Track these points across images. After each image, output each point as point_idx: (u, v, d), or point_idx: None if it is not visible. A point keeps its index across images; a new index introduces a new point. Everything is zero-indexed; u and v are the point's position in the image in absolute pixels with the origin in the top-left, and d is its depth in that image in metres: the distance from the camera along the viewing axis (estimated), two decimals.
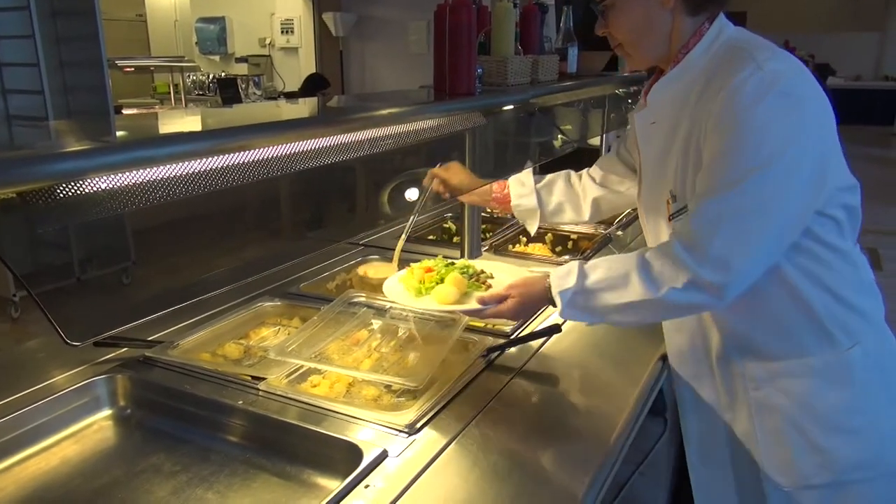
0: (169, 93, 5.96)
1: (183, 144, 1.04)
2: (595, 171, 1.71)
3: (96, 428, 1.35)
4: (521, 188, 1.73)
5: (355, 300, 1.73)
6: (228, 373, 1.42)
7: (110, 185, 0.94)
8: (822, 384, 1.29)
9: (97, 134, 1.28)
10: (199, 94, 6.30)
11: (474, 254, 2.08)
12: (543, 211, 1.72)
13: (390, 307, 1.70)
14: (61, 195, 0.89)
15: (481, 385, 1.40)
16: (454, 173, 1.77)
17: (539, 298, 1.31)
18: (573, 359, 1.54)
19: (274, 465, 1.24)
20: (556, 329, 1.52)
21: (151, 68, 5.87)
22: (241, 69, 6.60)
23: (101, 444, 1.31)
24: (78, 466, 1.24)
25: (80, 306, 1.50)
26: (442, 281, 1.47)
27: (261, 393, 1.35)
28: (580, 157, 2.19)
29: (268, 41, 6.63)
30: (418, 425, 1.23)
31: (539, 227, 2.54)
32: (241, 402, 1.32)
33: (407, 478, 1.09)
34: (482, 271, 1.55)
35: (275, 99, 5.90)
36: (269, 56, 6.65)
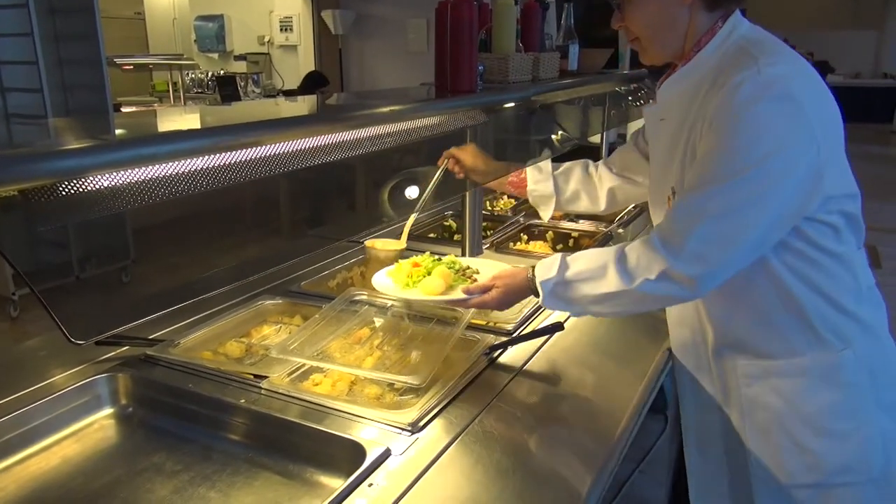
0: (168, 91, 5.95)
1: (182, 142, 1.03)
2: (612, 160, 1.71)
3: (97, 427, 1.35)
4: (538, 173, 1.72)
5: (357, 298, 1.72)
6: (230, 371, 1.42)
7: (109, 184, 0.94)
8: (811, 385, 1.30)
9: (96, 132, 1.27)
10: (197, 92, 6.29)
11: (475, 251, 2.07)
12: (559, 198, 1.72)
13: (391, 305, 1.70)
14: (60, 193, 0.89)
15: (484, 383, 1.40)
16: (469, 153, 1.74)
17: (522, 289, 1.35)
18: (575, 356, 1.54)
19: (276, 464, 1.23)
20: (558, 327, 1.52)
21: (150, 66, 5.86)
22: (240, 67, 6.59)
23: (103, 443, 1.31)
24: (79, 466, 1.24)
25: (81, 305, 1.49)
26: (429, 274, 1.53)
27: (263, 391, 1.34)
28: (581, 155, 2.18)
29: (267, 39, 6.62)
30: (421, 423, 1.23)
31: (540, 226, 2.56)
32: (243, 401, 1.31)
33: (410, 476, 1.09)
34: (468, 267, 1.59)
35: (274, 97, 5.89)
36: (268, 54, 6.64)
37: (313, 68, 6.11)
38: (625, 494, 1.52)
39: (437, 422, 1.25)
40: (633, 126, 3.55)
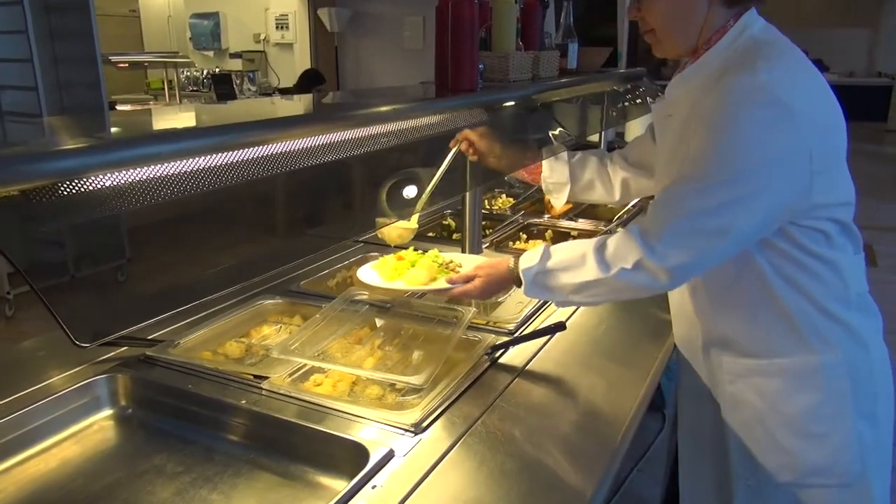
0: (163, 89, 5.92)
1: (179, 142, 1.01)
2: (627, 151, 1.70)
3: (97, 428, 1.34)
4: (553, 160, 1.71)
5: (357, 298, 1.71)
6: (230, 372, 1.41)
7: (104, 184, 0.92)
8: (792, 387, 1.31)
9: (92, 130, 1.26)
10: (193, 90, 6.26)
11: (475, 251, 2.07)
12: (574, 186, 1.71)
13: (391, 306, 1.69)
14: (54, 193, 0.87)
15: (486, 383, 1.39)
16: (484, 136, 1.73)
17: (503, 279, 1.39)
18: (577, 356, 1.53)
19: (278, 465, 1.22)
20: (560, 327, 1.52)
21: (145, 64, 5.83)
22: (236, 65, 6.56)
23: (102, 444, 1.30)
24: (79, 467, 1.23)
25: (79, 305, 1.47)
26: (413, 267, 1.56)
27: (264, 392, 1.33)
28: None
29: (262, 37, 6.59)
30: (424, 424, 1.22)
31: (539, 225, 2.56)
32: (244, 402, 1.30)
33: (414, 478, 1.08)
34: (451, 261, 1.62)
35: (269, 95, 5.87)
36: (264, 52, 6.61)
37: (309, 66, 6.09)
38: (623, 493, 1.52)
39: (440, 422, 1.24)
40: (632, 125, 3.54)
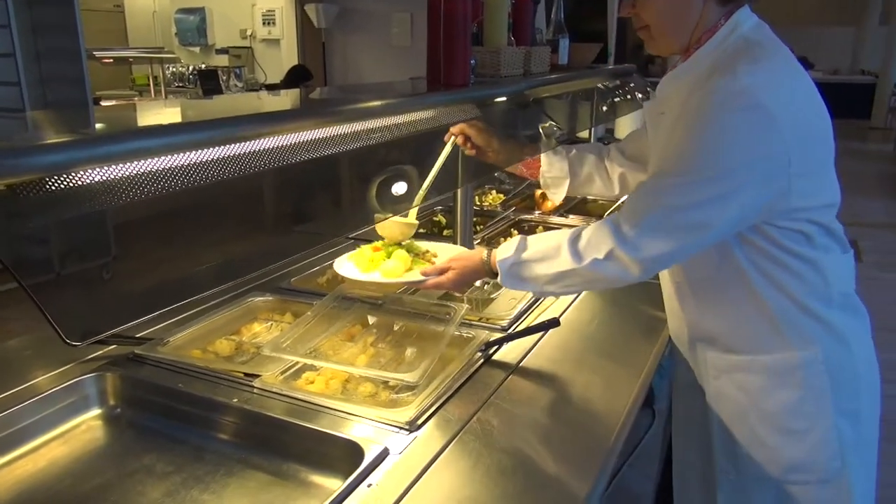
0: (148, 85, 5.85)
1: (165, 137, 0.99)
2: (624, 145, 1.70)
3: (85, 428, 1.31)
4: (552, 155, 1.70)
5: (348, 295, 1.70)
6: (221, 370, 1.39)
7: (89, 179, 0.90)
8: (772, 383, 1.32)
9: (76, 126, 1.23)
10: (178, 87, 6.19)
11: (466, 247, 2.05)
12: (573, 181, 1.70)
13: (383, 303, 1.68)
14: (39, 189, 0.85)
15: (480, 381, 1.38)
16: (480, 130, 1.71)
17: (477, 270, 1.40)
18: (571, 353, 1.53)
19: (271, 464, 1.21)
20: (554, 323, 1.51)
21: (130, 60, 5.75)
22: (222, 61, 6.50)
23: (91, 444, 1.28)
24: (67, 468, 1.20)
25: (67, 303, 1.45)
26: (389, 257, 1.56)
27: (255, 390, 1.32)
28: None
29: (249, 33, 6.53)
30: (419, 422, 1.21)
31: (530, 221, 2.55)
32: (235, 400, 1.28)
33: (410, 476, 1.07)
34: (427, 251, 1.62)
35: (256, 91, 5.82)
36: (251, 48, 6.55)
37: (296, 62, 6.04)
38: (615, 489, 1.52)
39: (435, 420, 1.23)
40: (622, 121, 3.55)
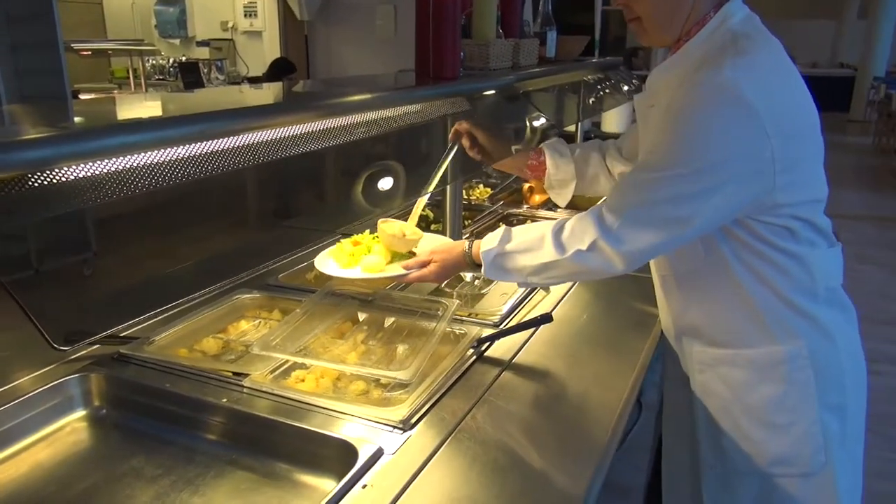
0: (128, 77, 5.74)
1: (150, 132, 0.96)
2: (621, 143, 1.68)
3: (70, 430, 1.28)
4: (558, 158, 1.67)
5: (338, 291, 1.67)
6: (209, 369, 1.36)
7: (69, 176, 0.87)
8: (756, 377, 1.33)
9: (55, 120, 1.19)
10: (159, 79, 6.09)
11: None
12: (580, 182, 1.68)
13: (373, 299, 1.66)
14: (17, 185, 0.82)
15: (473, 377, 1.37)
16: (485, 133, 1.68)
17: (458, 263, 1.40)
18: (564, 348, 1.51)
19: (262, 466, 1.19)
20: (547, 318, 1.50)
21: (109, 52, 5.64)
22: (203, 53, 6.41)
23: (76, 447, 1.24)
24: (51, 472, 1.17)
25: (52, 306, 1.41)
26: (369, 252, 1.55)
27: (245, 390, 1.29)
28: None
29: (230, 24, 6.45)
30: (413, 420, 1.19)
31: (518, 215, 2.54)
32: (224, 400, 1.26)
33: (405, 476, 1.06)
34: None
35: (238, 84, 5.74)
36: (232, 40, 6.47)
37: (279, 55, 5.97)
38: (605, 482, 1.52)
39: (428, 418, 1.22)
40: (609, 114, 3.54)
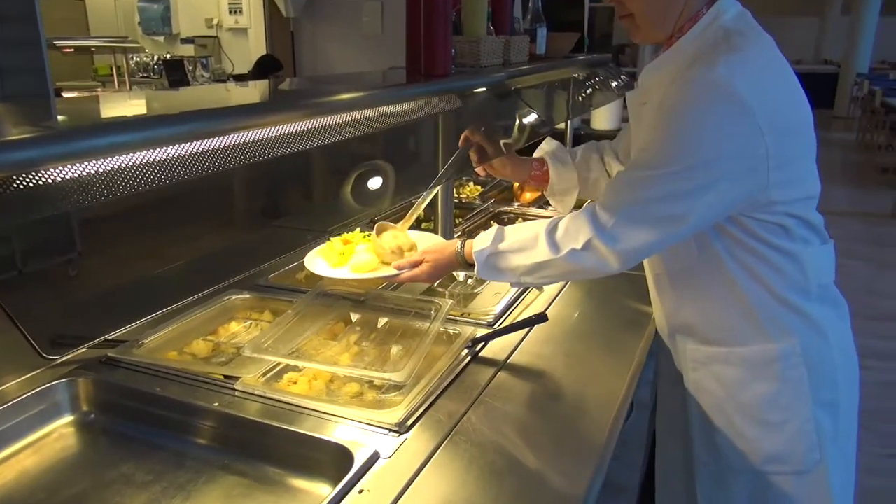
0: (111, 75, 5.68)
1: (138, 131, 0.93)
2: (616, 144, 1.67)
3: (57, 436, 1.25)
4: (560, 166, 1.65)
5: (329, 291, 1.65)
6: (199, 372, 1.34)
7: (53, 178, 0.84)
8: (750, 375, 1.33)
9: (37, 119, 1.17)
10: (143, 77, 6.03)
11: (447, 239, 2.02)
12: (583, 188, 1.67)
13: (365, 299, 1.64)
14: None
15: (468, 378, 1.35)
16: (495, 146, 1.65)
17: (450, 263, 1.38)
18: (559, 347, 1.50)
19: (255, 470, 1.17)
20: (542, 318, 1.48)
21: (92, 49, 5.57)
22: (188, 51, 6.35)
23: (64, 453, 1.22)
24: (38, 479, 1.15)
25: (33, 306, 1.38)
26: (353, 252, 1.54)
27: (236, 393, 1.27)
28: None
29: (215, 21, 6.39)
30: (408, 423, 1.18)
31: (509, 213, 2.53)
32: (216, 404, 1.24)
33: (402, 480, 1.04)
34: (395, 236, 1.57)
35: (224, 82, 5.69)
36: (217, 37, 6.42)
37: (264, 52, 5.93)
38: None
39: (424, 421, 1.20)
40: (598, 112, 3.54)
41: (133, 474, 1.15)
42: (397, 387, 1.30)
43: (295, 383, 1.33)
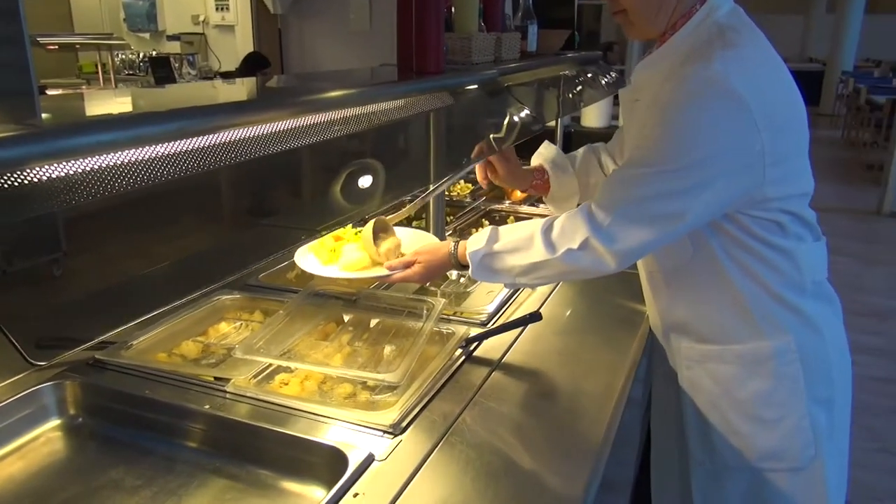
0: (96, 72, 5.61)
1: (129, 129, 0.91)
2: (611, 147, 1.66)
3: (44, 441, 1.23)
4: (561, 174, 1.64)
5: (321, 291, 1.63)
6: (189, 374, 1.32)
7: (37, 178, 0.82)
8: (745, 373, 1.32)
9: (21, 117, 1.14)
10: (129, 74, 5.97)
11: (439, 238, 2.01)
12: (583, 193, 1.65)
13: (357, 299, 1.62)
14: None
15: (463, 378, 1.34)
16: (505, 162, 1.62)
17: (443, 264, 1.37)
18: (553, 346, 1.49)
19: (248, 474, 1.15)
20: (536, 317, 1.47)
21: (77, 46, 5.50)
22: (174, 48, 6.29)
23: (51, 458, 1.19)
24: (25, 485, 1.12)
25: (17, 308, 1.35)
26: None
27: (227, 395, 1.25)
28: (538, 139, 2.14)
29: (201, 18, 6.33)
30: (403, 424, 1.16)
31: (501, 211, 2.52)
32: (206, 406, 1.22)
33: (398, 483, 1.03)
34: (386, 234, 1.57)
35: (211, 79, 5.64)
36: (203, 34, 6.36)
37: (251, 49, 5.88)
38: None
39: (419, 422, 1.19)
40: (588, 110, 3.53)
41: (122, 479, 1.12)
42: (391, 387, 1.29)
43: (287, 384, 1.32)
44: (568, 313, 1.68)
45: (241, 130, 1.04)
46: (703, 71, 1.13)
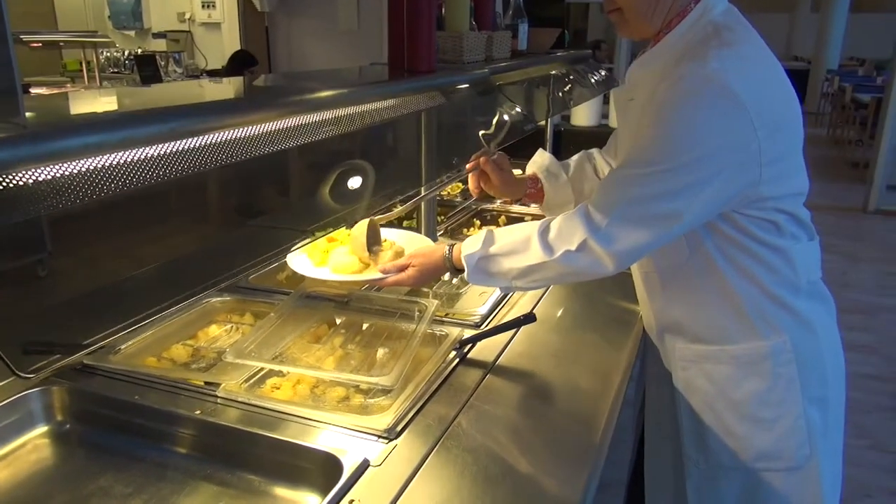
0: (81, 70, 5.54)
1: (116, 130, 0.89)
2: (609, 150, 1.64)
3: (31, 448, 1.20)
4: (555, 182, 1.62)
5: (312, 293, 1.61)
6: (179, 379, 1.30)
7: (23, 181, 0.80)
8: (740, 373, 1.32)
9: (5, 117, 1.11)
10: (114, 72, 5.90)
11: (431, 238, 1.99)
12: (578, 200, 1.63)
13: (349, 300, 1.61)
14: None
15: (457, 381, 1.33)
16: (499, 171, 1.60)
17: (438, 267, 1.36)
18: (548, 348, 1.49)
19: (239, 480, 1.13)
20: (530, 318, 1.46)
21: (61, 44, 5.43)
22: (159, 45, 6.22)
23: (38, 465, 1.17)
24: (12, 493, 1.10)
25: (1, 309, 1.32)
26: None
27: (218, 400, 1.23)
28: (528, 139, 2.13)
29: (187, 16, 6.28)
30: (398, 429, 1.15)
31: (492, 211, 2.51)
32: (197, 412, 1.20)
33: (394, 488, 1.01)
34: (385, 240, 1.57)
35: (197, 77, 5.59)
36: (190, 32, 6.31)
37: (238, 47, 5.84)
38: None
39: (414, 426, 1.17)
40: (578, 109, 3.52)
41: (112, 487, 1.10)
42: (384, 391, 1.27)
43: (279, 388, 1.30)
44: (559, 313, 1.67)
45: (230, 131, 1.02)
46: (699, 69, 1.12)
